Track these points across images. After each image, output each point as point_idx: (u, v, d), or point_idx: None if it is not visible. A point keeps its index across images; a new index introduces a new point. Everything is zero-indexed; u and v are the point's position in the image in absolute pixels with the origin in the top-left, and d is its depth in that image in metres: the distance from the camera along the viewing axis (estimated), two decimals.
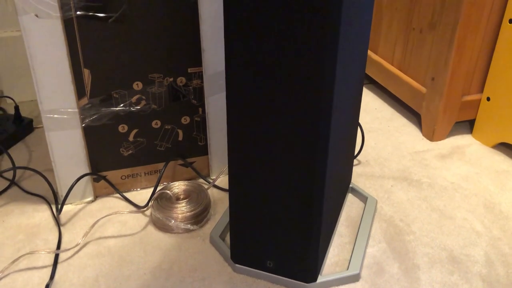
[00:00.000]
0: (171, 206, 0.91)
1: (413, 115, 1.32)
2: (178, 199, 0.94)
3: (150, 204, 0.94)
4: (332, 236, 0.89)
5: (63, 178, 0.93)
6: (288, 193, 0.71)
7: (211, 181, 1.03)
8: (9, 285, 0.79)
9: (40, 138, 1.18)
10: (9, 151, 1.13)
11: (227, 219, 0.89)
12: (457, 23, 1.07)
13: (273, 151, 0.68)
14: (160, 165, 1.00)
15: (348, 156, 0.92)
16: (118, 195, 0.99)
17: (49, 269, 0.82)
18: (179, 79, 0.93)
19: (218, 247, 0.86)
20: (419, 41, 1.22)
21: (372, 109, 1.37)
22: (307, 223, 0.73)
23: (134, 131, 0.95)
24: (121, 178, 0.99)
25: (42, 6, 0.78)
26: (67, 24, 0.81)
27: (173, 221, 0.89)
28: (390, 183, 1.06)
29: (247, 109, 0.67)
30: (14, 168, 1.02)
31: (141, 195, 1.00)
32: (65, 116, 0.88)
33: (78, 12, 0.81)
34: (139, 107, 0.93)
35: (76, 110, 0.88)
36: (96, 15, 0.82)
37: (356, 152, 1.11)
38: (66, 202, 0.94)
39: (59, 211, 0.93)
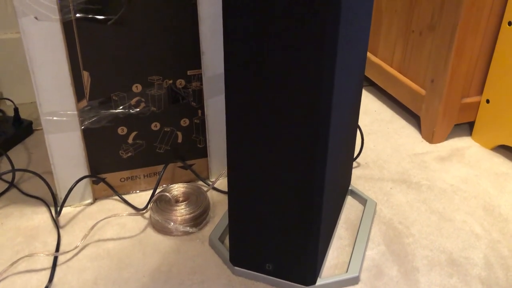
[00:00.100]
0: (170, 208, 0.91)
1: (413, 117, 1.32)
2: (177, 201, 0.94)
3: (149, 206, 0.94)
4: (332, 239, 0.89)
5: (62, 180, 0.93)
6: (287, 195, 0.71)
7: (211, 183, 1.03)
8: None
9: (39, 140, 1.18)
10: (8, 153, 1.13)
11: (226, 221, 0.89)
12: (456, 25, 1.07)
13: (272, 153, 0.68)
14: (160, 168, 1.00)
15: (347, 158, 0.92)
16: (117, 197, 0.99)
17: (48, 272, 0.82)
18: (178, 81, 0.93)
19: (217, 249, 0.86)
20: (419, 43, 1.22)
21: (372, 111, 1.37)
22: (306, 226, 0.73)
23: (134, 133, 0.95)
24: (120, 180, 0.99)
25: (41, 8, 0.78)
26: (67, 26, 0.81)
27: (172, 223, 0.89)
28: (390, 185, 1.06)
29: (246, 111, 0.67)
30: (13, 170, 1.02)
31: (140, 198, 1.00)
32: (64, 119, 0.88)
33: (77, 15, 0.81)
34: (138, 110, 0.93)
35: (76, 112, 0.88)
36: (96, 18, 0.82)
37: (355, 154, 1.11)
38: (65, 204, 0.94)
39: (58, 213, 0.93)
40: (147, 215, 0.95)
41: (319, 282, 0.79)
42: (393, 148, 1.20)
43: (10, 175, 1.04)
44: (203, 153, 1.02)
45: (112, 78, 0.88)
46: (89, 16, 0.82)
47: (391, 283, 0.81)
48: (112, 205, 0.98)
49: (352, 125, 0.89)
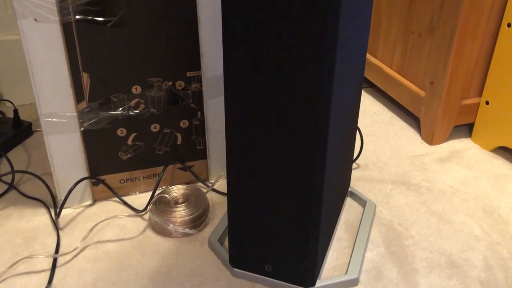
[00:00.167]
0: (169, 210, 0.91)
1: (412, 119, 1.32)
2: (176, 203, 0.94)
3: (148, 208, 0.94)
4: (331, 240, 0.89)
5: (62, 181, 0.93)
6: (287, 197, 0.71)
7: (210, 185, 1.03)
8: None
9: (39, 142, 1.18)
10: (8, 154, 1.13)
11: (225, 223, 0.89)
12: (456, 27, 1.07)
13: (272, 155, 0.68)
14: (159, 169, 1.00)
15: (347, 160, 0.92)
16: (116, 199, 0.99)
17: (47, 273, 0.82)
18: (178, 83, 0.93)
19: (216, 251, 0.86)
20: (418, 45, 1.22)
21: (371, 113, 1.37)
22: (305, 227, 0.73)
23: (133, 135, 0.95)
24: (120, 182, 0.99)
25: (41, 10, 0.78)
26: (66, 28, 0.81)
27: (171, 225, 0.89)
28: (389, 187, 1.06)
29: (246, 112, 0.67)
30: (13, 171, 1.02)
31: (140, 199, 1.00)
32: (64, 120, 0.88)
33: (77, 16, 0.81)
34: (138, 111, 0.93)
35: (75, 114, 0.88)
36: (95, 19, 0.83)
37: (355, 156, 1.11)
38: (65, 206, 0.94)
39: (57, 215, 0.93)
40: (146, 216, 0.95)
41: (319, 283, 0.79)
42: (393, 149, 1.20)
43: (10, 176, 1.04)
44: (202, 154, 1.02)
45: (111, 79, 0.88)
46: (89, 17, 0.82)
47: (391, 285, 0.81)
48: (111, 206, 0.98)
49: (351, 127, 0.89)
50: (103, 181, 0.97)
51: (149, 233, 0.91)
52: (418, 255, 0.87)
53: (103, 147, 0.94)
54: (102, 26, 0.83)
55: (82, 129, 0.90)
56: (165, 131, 0.97)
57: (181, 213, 0.90)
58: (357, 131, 1.12)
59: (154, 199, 0.93)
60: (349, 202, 1.01)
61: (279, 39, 0.60)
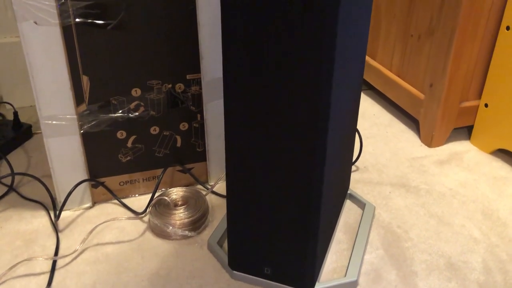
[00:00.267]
0: (169, 212, 0.91)
1: (412, 121, 1.33)
2: (176, 205, 0.94)
3: (148, 210, 0.94)
4: (330, 243, 0.89)
5: (62, 184, 0.93)
6: (286, 199, 0.71)
7: (209, 187, 1.03)
8: None
9: (38, 144, 1.18)
10: (8, 156, 1.13)
11: (225, 225, 0.89)
12: (455, 30, 1.08)
13: (271, 157, 0.69)
14: (159, 171, 1.00)
15: (346, 162, 0.92)
16: (116, 201, 0.99)
17: (47, 276, 0.82)
18: (177, 85, 0.93)
19: (216, 253, 0.86)
20: (417, 48, 1.22)
21: (371, 115, 1.37)
22: (304, 230, 0.73)
23: (133, 137, 0.95)
24: (120, 184, 0.99)
25: (41, 13, 0.79)
26: (66, 31, 0.82)
27: (171, 227, 0.89)
28: (388, 189, 1.06)
29: (245, 114, 0.67)
30: (13, 174, 1.02)
31: (139, 201, 1.00)
32: (63, 123, 0.88)
33: (77, 19, 0.81)
34: (137, 114, 0.93)
35: (75, 116, 0.88)
36: (95, 22, 0.83)
37: (354, 158, 1.12)
38: (64, 208, 0.94)
39: (57, 217, 0.93)
40: (146, 219, 0.95)
41: (318, 286, 0.79)
42: (392, 152, 1.20)
43: (10, 178, 1.04)
44: (202, 157, 1.02)
45: (111, 82, 0.89)
46: (89, 20, 0.82)
47: (390, 287, 0.81)
48: (111, 209, 0.98)
49: (350, 129, 0.89)
50: (102, 184, 0.97)
51: (149, 235, 0.91)
52: (417, 258, 0.87)
53: (102, 149, 0.94)
54: (102, 29, 0.84)
55: (82, 131, 0.90)
56: (164, 133, 0.97)
57: (180, 215, 0.91)
58: (356, 133, 1.13)
59: (153, 202, 0.93)
60: (348, 205, 1.01)
61: (278, 41, 0.60)
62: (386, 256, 0.87)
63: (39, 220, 0.95)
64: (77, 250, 0.87)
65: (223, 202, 1.00)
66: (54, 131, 0.88)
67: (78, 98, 0.88)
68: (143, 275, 0.83)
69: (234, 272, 0.81)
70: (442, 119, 1.17)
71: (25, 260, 0.85)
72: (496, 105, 1.14)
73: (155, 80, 0.91)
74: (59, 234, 0.91)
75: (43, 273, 0.83)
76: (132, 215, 0.96)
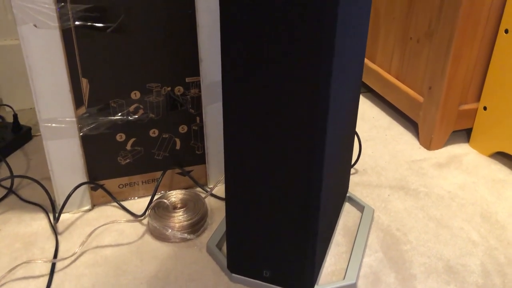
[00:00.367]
0: (168, 215, 0.91)
1: (411, 124, 1.33)
2: (175, 208, 0.94)
3: (147, 213, 0.94)
4: (329, 245, 0.89)
5: (61, 186, 0.94)
6: (285, 202, 0.71)
7: (209, 190, 1.03)
8: None
9: (38, 146, 1.18)
10: (7, 159, 1.13)
11: (224, 228, 0.89)
12: (453, 33, 1.08)
13: (270, 160, 0.69)
14: (158, 174, 1.00)
15: (345, 165, 0.92)
16: (115, 203, 0.99)
17: (46, 278, 0.82)
18: (177, 88, 0.93)
19: (215, 256, 0.86)
20: (416, 51, 1.22)
21: (370, 118, 1.37)
22: (303, 233, 0.73)
23: (132, 140, 0.95)
24: (119, 186, 0.99)
25: (40, 16, 0.79)
26: (66, 34, 0.82)
27: (170, 230, 0.89)
28: (387, 192, 1.06)
29: (243, 118, 0.67)
30: (12, 176, 1.02)
31: (139, 204, 1.00)
32: (63, 125, 0.88)
33: (76, 22, 0.82)
34: (137, 116, 0.93)
35: (74, 119, 0.88)
36: (94, 25, 0.83)
37: (353, 161, 1.12)
38: (64, 210, 0.95)
39: (56, 219, 0.94)
40: (145, 221, 0.95)
41: None
42: (391, 154, 1.20)
43: (9, 181, 1.04)
44: (201, 159, 1.02)
45: (110, 85, 0.89)
46: (88, 23, 0.82)
47: None
48: (110, 211, 0.98)
49: (349, 132, 0.89)
50: (102, 186, 0.98)
51: (148, 238, 0.91)
52: (416, 261, 0.87)
53: (102, 152, 0.94)
54: (101, 32, 0.84)
55: (81, 134, 0.90)
56: (164, 136, 0.97)
57: (179, 218, 0.91)
58: (356, 136, 1.13)
59: (152, 204, 0.93)
60: (347, 207, 1.01)
61: (276, 45, 0.60)
62: (385, 259, 0.87)
63: (38, 222, 0.95)
64: (76, 252, 0.87)
65: (222, 204, 1.00)
66: (53, 134, 0.88)
67: (78, 101, 0.88)
68: (142, 277, 0.83)
69: (233, 275, 0.81)
70: (441, 121, 1.18)
71: (24, 262, 0.85)
72: (495, 108, 1.14)
73: (154, 83, 0.91)
74: (58, 237, 0.91)
75: (42, 275, 0.83)
76: (131, 217, 0.96)
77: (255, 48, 0.61)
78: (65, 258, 0.86)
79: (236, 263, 0.81)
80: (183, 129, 0.98)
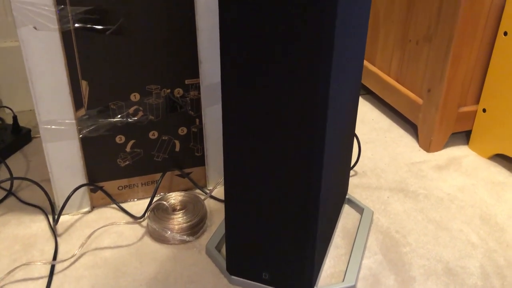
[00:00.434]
0: (167, 217, 0.91)
1: (410, 126, 1.33)
2: (174, 210, 0.94)
3: (146, 215, 0.94)
4: (328, 248, 0.89)
5: (60, 188, 0.94)
6: (284, 204, 0.71)
7: (208, 192, 1.03)
8: None
9: (38, 148, 1.18)
10: (7, 161, 1.13)
11: (223, 230, 0.89)
12: (452, 35, 1.08)
13: (269, 162, 0.69)
14: (157, 176, 1.00)
15: (344, 167, 0.92)
16: (115, 205, 0.99)
17: (45, 280, 0.82)
18: (176, 90, 0.93)
19: (214, 258, 0.86)
20: (416, 53, 1.22)
21: (370, 120, 1.37)
22: (303, 235, 0.73)
23: (131, 142, 0.95)
24: (118, 188, 0.99)
25: (40, 18, 0.79)
26: (65, 36, 0.82)
27: (169, 232, 0.89)
28: (387, 194, 1.06)
29: (243, 120, 0.67)
30: (12, 178, 1.02)
31: (138, 206, 1.00)
32: (62, 127, 0.88)
33: (76, 25, 0.82)
34: (136, 118, 0.93)
35: (74, 121, 0.89)
36: (94, 27, 0.83)
37: (352, 163, 1.12)
38: (63, 212, 0.95)
39: (55, 221, 0.94)
40: (144, 223, 0.95)
41: None
42: (391, 157, 1.20)
43: (9, 183, 1.04)
44: (200, 161, 1.02)
45: (110, 87, 0.89)
46: (88, 26, 0.83)
47: None
48: (109, 213, 0.98)
49: (349, 134, 0.89)
50: (101, 188, 0.98)
51: (147, 240, 0.91)
52: (415, 263, 0.87)
53: (101, 154, 0.94)
54: (101, 34, 0.84)
55: (80, 136, 0.90)
56: (163, 138, 0.97)
57: (179, 220, 0.91)
58: (355, 138, 1.13)
59: (152, 206, 0.94)
60: (346, 209, 1.01)
61: (276, 48, 0.61)
62: (384, 261, 0.87)
63: (38, 224, 0.95)
64: (75, 254, 0.87)
65: (221, 206, 1.00)
66: (53, 136, 0.88)
67: (77, 103, 0.88)
68: (141, 279, 0.83)
69: (232, 277, 0.81)
70: (440, 124, 1.18)
71: (24, 264, 0.85)
72: (494, 110, 1.14)
73: (154, 85, 0.91)
74: (58, 239, 0.91)
75: (41, 277, 0.83)
76: (130, 219, 0.96)
77: (254, 49, 0.62)
78: (65, 260, 0.86)
79: (236, 265, 0.81)
80: (182, 131, 0.98)
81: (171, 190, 1.03)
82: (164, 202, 0.94)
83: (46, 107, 0.86)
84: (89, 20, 0.82)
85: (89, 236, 0.91)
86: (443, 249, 0.91)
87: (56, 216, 0.94)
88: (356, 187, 1.08)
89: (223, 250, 0.89)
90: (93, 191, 0.97)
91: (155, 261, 0.87)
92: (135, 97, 0.91)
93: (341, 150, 0.82)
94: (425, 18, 1.17)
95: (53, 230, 0.93)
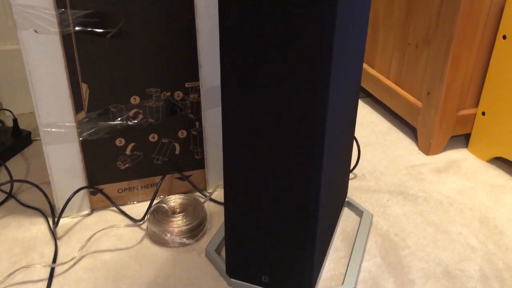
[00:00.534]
0: (167, 220, 0.91)
1: (410, 129, 1.33)
2: (174, 212, 0.94)
3: (146, 217, 0.95)
4: (328, 250, 0.89)
5: (60, 191, 0.94)
6: (284, 207, 0.71)
7: (208, 194, 1.03)
8: None
9: (38, 150, 1.18)
10: (7, 163, 1.13)
11: (223, 233, 0.89)
12: (452, 38, 1.08)
13: (268, 164, 0.69)
14: (157, 179, 1.00)
15: (343, 170, 0.93)
16: (114, 208, 1.00)
17: (45, 283, 0.82)
18: (176, 93, 0.94)
19: (213, 261, 0.86)
20: (415, 56, 1.23)
21: (369, 123, 1.38)
22: (302, 238, 0.73)
23: (131, 144, 0.95)
24: (118, 191, 0.99)
25: (41, 22, 0.79)
26: (66, 39, 0.82)
27: (169, 235, 0.89)
28: (386, 197, 1.06)
29: (242, 122, 0.67)
30: (12, 181, 1.02)
31: (138, 209, 1.00)
32: (62, 130, 0.88)
33: (76, 28, 0.82)
34: (136, 121, 0.93)
35: (74, 124, 0.89)
36: (94, 31, 0.83)
37: (352, 166, 1.12)
38: (63, 215, 0.95)
39: (55, 224, 0.94)
40: (144, 226, 0.95)
41: None
42: (390, 159, 1.20)
43: (9, 185, 1.04)
44: (200, 164, 1.03)
45: (110, 90, 0.89)
46: (88, 29, 0.83)
47: None
48: (109, 216, 0.98)
49: (348, 137, 0.90)
50: (101, 191, 0.98)
51: (147, 243, 0.92)
52: (414, 266, 0.87)
53: (101, 157, 0.94)
54: (101, 37, 0.84)
55: (80, 139, 0.91)
56: (163, 141, 0.97)
57: (178, 223, 0.91)
58: (355, 141, 1.13)
59: (151, 209, 0.94)
60: (346, 212, 1.01)
61: (275, 51, 0.61)
62: (383, 264, 0.88)
63: (38, 227, 0.95)
64: (75, 257, 0.87)
65: (221, 209, 1.01)
66: (53, 139, 0.89)
67: (77, 106, 0.88)
68: (141, 282, 0.83)
69: (232, 280, 0.81)
70: (439, 127, 1.18)
71: (23, 267, 0.85)
72: (493, 113, 1.14)
73: (154, 88, 0.92)
74: (58, 241, 0.91)
75: (41, 280, 0.83)
76: (130, 222, 0.96)
77: (254, 50, 0.62)
78: (64, 263, 0.86)
79: (235, 268, 0.81)
80: (182, 134, 0.98)
81: (171, 192, 1.03)
82: (164, 205, 0.94)
83: (46, 109, 0.86)
84: (90, 23, 0.83)
85: (89, 239, 0.91)
86: (442, 252, 0.91)
87: (56, 219, 0.94)
88: (355, 190, 1.08)
89: (223, 253, 0.89)
90: (93, 193, 0.97)
91: (154, 264, 0.87)
92: (135, 100, 0.91)
93: (340, 152, 0.82)
94: (424, 21, 1.17)
95: (53, 233, 0.93)
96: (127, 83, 0.90)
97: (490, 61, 1.14)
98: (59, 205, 0.95)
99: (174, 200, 0.96)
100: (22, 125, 1.23)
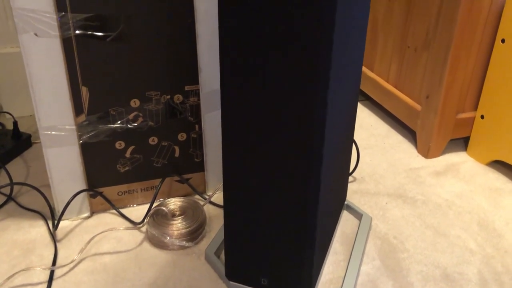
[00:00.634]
0: (166, 222, 0.91)
1: (409, 132, 1.34)
2: (173, 215, 0.94)
3: (145, 220, 0.95)
4: (327, 253, 0.89)
5: (60, 194, 0.94)
6: (283, 209, 0.72)
7: (207, 197, 1.03)
8: None
9: (38, 153, 1.19)
10: (7, 166, 1.14)
11: (222, 236, 0.89)
12: (451, 42, 1.09)
13: (268, 167, 0.69)
14: (157, 181, 1.01)
15: (343, 173, 0.93)
16: (114, 211, 1.00)
17: (44, 286, 0.82)
18: (176, 96, 0.94)
19: (213, 264, 0.86)
20: (414, 60, 1.23)
21: (368, 126, 1.38)
22: (301, 240, 0.73)
23: (131, 147, 0.96)
24: (118, 194, 0.99)
25: (41, 25, 0.80)
26: (66, 42, 0.83)
27: (168, 237, 0.89)
28: (385, 200, 1.06)
29: (242, 125, 0.67)
30: (12, 183, 1.02)
31: (138, 211, 1.00)
32: (62, 133, 0.89)
33: (77, 31, 0.82)
34: (136, 124, 0.94)
35: (74, 127, 0.89)
36: (95, 34, 0.84)
37: (351, 169, 1.12)
38: (63, 218, 0.95)
39: (55, 227, 0.94)
40: (143, 229, 0.96)
41: None
42: (389, 162, 1.21)
43: (8, 188, 1.04)
44: (200, 167, 1.03)
45: (110, 93, 0.89)
46: (88, 32, 0.83)
47: None
48: (109, 218, 0.98)
49: (347, 140, 0.90)
50: (101, 194, 0.98)
51: (146, 245, 0.92)
52: (413, 268, 0.88)
53: (101, 159, 0.94)
54: (101, 41, 0.85)
55: (80, 142, 0.91)
56: (163, 144, 0.98)
57: (178, 225, 0.91)
58: (354, 143, 1.13)
59: (151, 212, 0.94)
60: (345, 215, 1.01)
61: (274, 54, 0.61)
62: (382, 267, 0.88)
63: (37, 229, 0.95)
64: (74, 260, 0.87)
65: (221, 212, 1.01)
66: (53, 142, 0.89)
67: (77, 109, 0.88)
68: (141, 285, 0.83)
69: (231, 282, 0.82)
70: (438, 130, 1.18)
71: (23, 270, 0.85)
72: (492, 116, 1.15)
73: (153, 91, 0.92)
74: (57, 244, 0.91)
75: (40, 283, 0.83)
76: (130, 225, 0.96)
77: (254, 51, 0.62)
78: (64, 266, 0.86)
79: (234, 271, 0.81)
80: (182, 137, 0.98)
81: (170, 195, 1.03)
82: (164, 208, 0.94)
83: (46, 112, 0.86)
84: (90, 27, 0.83)
85: (89, 242, 0.91)
86: (441, 255, 0.91)
87: (55, 222, 0.94)
88: (354, 193, 1.08)
89: (222, 255, 0.89)
90: (92, 196, 0.98)
91: (154, 267, 0.87)
92: (135, 103, 0.92)
93: (340, 155, 0.83)
94: (423, 25, 1.18)
95: (53, 236, 0.93)
96: (127, 86, 0.90)
97: (489, 64, 1.14)
98: (59, 207, 0.95)
99: (174, 203, 0.97)
100: (22, 128, 1.23)
